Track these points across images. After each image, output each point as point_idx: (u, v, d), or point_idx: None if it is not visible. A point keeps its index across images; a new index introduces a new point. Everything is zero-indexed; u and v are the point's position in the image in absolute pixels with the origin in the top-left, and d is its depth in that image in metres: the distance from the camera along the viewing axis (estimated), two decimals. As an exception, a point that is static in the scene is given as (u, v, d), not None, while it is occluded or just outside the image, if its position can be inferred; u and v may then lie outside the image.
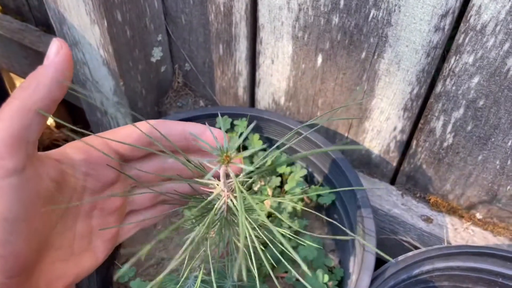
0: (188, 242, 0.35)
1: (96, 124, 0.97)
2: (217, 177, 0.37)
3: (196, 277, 0.54)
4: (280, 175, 0.78)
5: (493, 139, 0.64)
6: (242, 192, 0.29)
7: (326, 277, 0.65)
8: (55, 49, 0.31)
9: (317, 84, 0.76)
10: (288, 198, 0.56)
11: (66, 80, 0.32)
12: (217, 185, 0.37)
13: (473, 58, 0.58)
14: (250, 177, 0.44)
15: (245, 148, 0.80)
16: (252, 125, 0.33)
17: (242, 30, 0.77)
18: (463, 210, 0.75)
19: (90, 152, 0.36)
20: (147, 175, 0.41)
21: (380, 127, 0.74)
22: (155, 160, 0.41)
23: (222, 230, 0.42)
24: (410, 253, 0.63)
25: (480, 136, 0.65)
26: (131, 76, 0.83)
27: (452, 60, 0.60)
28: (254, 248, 0.33)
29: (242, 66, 0.83)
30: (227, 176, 0.35)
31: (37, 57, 1.05)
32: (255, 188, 0.75)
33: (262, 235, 0.39)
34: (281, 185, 0.78)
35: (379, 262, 0.64)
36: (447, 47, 0.60)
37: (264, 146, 0.79)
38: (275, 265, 0.69)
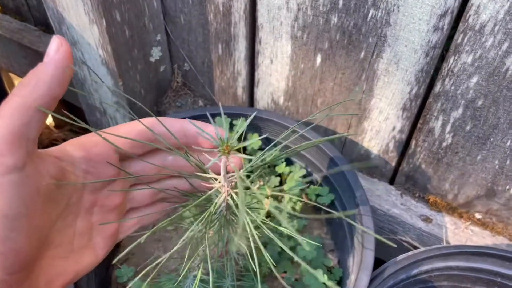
0: (186, 239, 0.35)
1: (95, 124, 0.97)
2: (216, 172, 0.37)
3: (195, 276, 0.54)
4: (279, 175, 0.78)
5: (492, 139, 0.64)
6: (243, 181, 0.29)
7: (325, 277, 0.65)
8: (55, 46, 0.31)
9: (316, 84, 0.76)
10: (288, 195, 0.56)
11: (66, 77, 0.32)
12: (217, 180, 0.37)
13: (472, 58, 0.58)
14: (249, 176, 0.44)
15: (244, 148, 0.81)
16: (250, 119, 0.33)
17: (241, 30, 0.77)
18: (462, 210, 0.75)
19: (90, 150, 0.36)
20: (147, 172, 0.41)
21: (379, 127, 0.74)
22: (155, 158, 0.41)
23: (221, 229, 0.42)
24: (409, 253, 0.63)
25: (479, 136, 0.65)
26: (130, 75, 0.83)
27: (451, 60, 0.60)
28: (253, 247, 0.33)
29: (241, 66, 0.83)
30: (227, 172, 0.35)
31: (36, 57, 1.05)
32: (254, 188, 0.75)
33: (263, 234, 0.39)
34: (280, 185, 0.78)
35: (378, 262, 0.64)
36: (446, 47, 0.61)
37: (261, 137, 0.79)
38: (274, 264, 0.69)
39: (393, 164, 0.78)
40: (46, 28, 1.10)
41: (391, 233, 0.78)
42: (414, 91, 0.67)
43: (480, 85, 0.60)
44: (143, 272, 0.31)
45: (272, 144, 0.43)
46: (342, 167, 0.70)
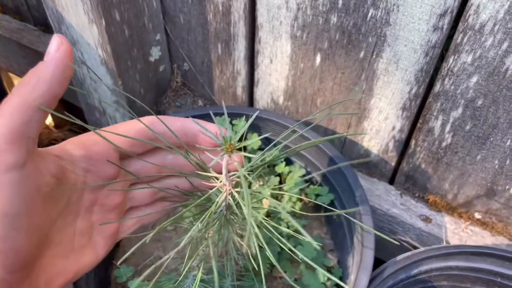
0: (186, 239, 0.35)
1: (94, 124, 0.97)
2: (217, 171, 0.37)
3: (195, 276, 0.54)
4: (279, 175, 0.78)
5: (491, 139, 0.64)
6: (246, 178, 0.29)
7: (325, 277, 0.64)
8: (56, 45, 0.31)
9: (315, 84, 0.76)
10: (288, 194, 0.56)
11: (67, 76, 0.31)
12: (218, 179, 0.37)
13: (471, 57, 0.58)
14: (249, 175, 0.44)
15: (244, 148, 0.80)
16: (252, 119, 0.33)
17: (240, 29, 0.77)
18: (462, 210, 0.75)
19: (89, 148, 0.36)
20: (147, 171, 0.41)
21: (379, 127, 0.74)
22: (155, 157, 0.41)
23: (221, 229, 0.42)
24: (408, 253, 0.63)
25: (479, 136, 0.65)
26: (129, 75, 0.83)
27: (451, 60, 0.60)
28: (257, 246, 0.33)
29: (241, 66, 0.83)
30: (229, 171, 0.35)
31: (36, 57, 1.05)
32: (254, 188, 0.75)
33: (263, 234, 0.39)
34: (280, 185, 0.78)
35: (378, 262, 0.64)
36: (445, 47, 0.61)
37: (260, 138, 0.79)
38: (274, 263, 0.69)
39: (393, 163, 0.79)
40: (46, 28, 1.10)
41: (391, 233, 0.78)
42: (413, 91, 0.67)
43: (480, 84, 0.60)
44: (144, 274, 0.31)
45: (272, 144, 0.43)
46: (341, 164, 0.70)
